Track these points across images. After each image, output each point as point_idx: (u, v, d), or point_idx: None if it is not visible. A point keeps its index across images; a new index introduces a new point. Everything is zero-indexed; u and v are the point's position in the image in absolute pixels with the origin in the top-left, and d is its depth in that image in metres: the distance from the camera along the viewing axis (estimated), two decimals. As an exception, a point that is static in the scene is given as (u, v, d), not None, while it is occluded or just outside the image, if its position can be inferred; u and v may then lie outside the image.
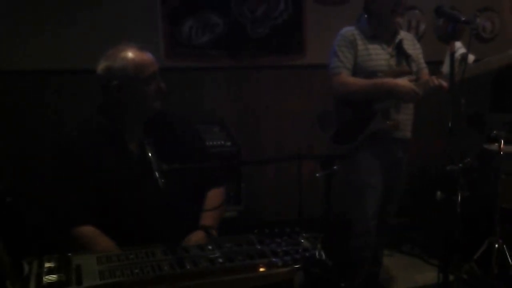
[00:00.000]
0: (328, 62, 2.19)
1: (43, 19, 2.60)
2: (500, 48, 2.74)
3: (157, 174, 1.22)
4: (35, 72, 2.63)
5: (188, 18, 2.82)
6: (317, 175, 1.36)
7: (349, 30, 2.17)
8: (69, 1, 2.63)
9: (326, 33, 2.75)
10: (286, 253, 1.19)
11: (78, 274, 1.11)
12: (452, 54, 1.79)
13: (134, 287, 1.09)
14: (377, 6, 2.12)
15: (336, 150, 2.20)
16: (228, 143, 2.57)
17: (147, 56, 1.44)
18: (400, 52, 2.17)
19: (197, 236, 1.43)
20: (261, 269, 1.16)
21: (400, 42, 2.17)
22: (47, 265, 1.15)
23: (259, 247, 1.22)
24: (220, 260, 1.17)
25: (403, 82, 2.04)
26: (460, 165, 1.80)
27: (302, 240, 1.24)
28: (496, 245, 2.40)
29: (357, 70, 2.13)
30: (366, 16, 2.19)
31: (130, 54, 1.41)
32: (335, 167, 1.35)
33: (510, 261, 2.38)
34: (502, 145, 2.40)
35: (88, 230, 1.39)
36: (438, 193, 1.81)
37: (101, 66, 1.43)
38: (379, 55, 2.14)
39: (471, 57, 2.04)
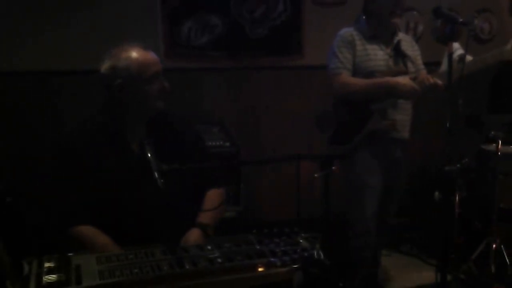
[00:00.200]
0: (327, 63, 2.20)
1: (43, 19, 2.61)
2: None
3: (156, 174, 1.22)
4: (35, 72, 2.63)
5: (188, 19, 2.82)
6: (316, 175, 1.37)
7: (347, 31, 2.18)
8: (69, 1, 2.63)
9: (324, 34, 2.76)
10: (285, 253, 1.19)
11: (78, 274, 1.12)
12: (450, 55, 1.80)
13: (133, 287, 1.09)
14: (376, 7, 2.13)
15: (334, 151, 2.21)
16: (228, 144, 2.58)
17: (150, 56, 1.45)
18: (398, 53, 2.18)
19: (193, 234, 1.43)
20: (260, 269, 1.17)
21: (398, 43, 2.18)
22: (46, 265, 1.15)
23: (258, 247, 1.23)
24: (219, 260, 1.18)
25: (404, 80, 2.06)
26: (458, 165, 1.81)
27: (301, 240, 1.25)
28: (494, 245, 2.41)
29: (356, 70, 2.15)
30: (365, 17, 2.20)
31: (134, 54, 1.42)
32: (333, 167, 1.36)
33: (507, 260, 2.39)
34: (499, 146, 2.41)
35: (86, 229, 1.39)
36: (437, 193, 1.82)
37: (105, 66, 1.43)
38: (377, 55, 2.15)
39: (469, 58, 2.06)
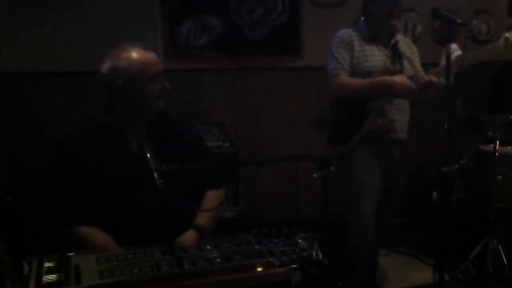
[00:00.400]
0: (325, 63, 2.21)
1: (42, 20, 2.61)
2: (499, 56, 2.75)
3: (155, 174, 1.23)
4: (35, 73, 2.64)
5: (187, 19, 2.83)
6: (315, 175, 1.38)
7: (346, 32, 2.19)
8: (68, 2, 2.63)
9: (323, 34, 2.77)
10: (283, 253, 1.20)
11: (77, 273, 1.12)
12: (448, 56, 1.81)
13: (133, 287, 1.10)
14: (375, 8, 2.14)
15: (333, 151, 2.22)
16: (227, 144, 2.59)
17: (151, 56, 1.45)
18: (396, 53, 2.19)
19: (188, 236, 1.43)
20: (259, 269, 1.17)
21: (396, 43, 2.19)
22: (46, 265, 1.15)
23: (257, 247, 1.23)
24: (218, 260, 1.18)
25: (401, 78, 2.06)
26: (456, 165, 1.82)
27: (300, 240, 1.26)
28: (492, 245, 2.42)
29: (354, 71, 2.16)
30: (363, 18, 2.21)
31: (134, 54, 1.42)
32: (332, 167, 1.36)
33: (505, 260, 2.40)
34: (497, 146, 2.42)
35: (87, 229, 1.39)
36: (434, 193, 1.83)
37: (105, 66, 1.43)
38: (375, 56, 2.16)
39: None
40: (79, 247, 1.31)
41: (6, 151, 2.64)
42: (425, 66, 2.30)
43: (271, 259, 1.18)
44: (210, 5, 2.85)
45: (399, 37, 2.24)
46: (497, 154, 2.42)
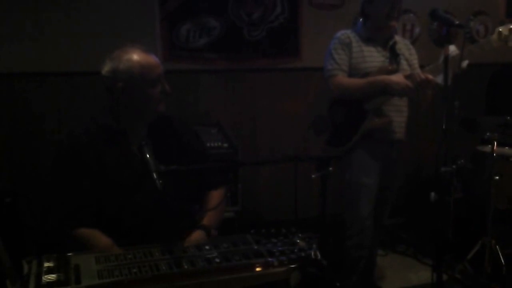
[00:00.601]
0: (324, 64, 2.22)
1: (42, 21, 2.61)
2: (493, 51, 2.77)
3: (155, 175, 1.23)
4: (35, 73, 2.64)
5: (186, 21, 2.83)
6: (313, 176, 1.38)
7: (345, 33, 2.21)
8: (66, 4, 2.64)
9: (322, 36, 2.78)
10: (282, 253, 1.21)
11: (77, 273, 1.12)
12: (446, 58, 1.82)
13: (132, 287, 1.10)
14: (373, 9, 2.15)
15: (333, 152, 2.23)
16: (226, 145, 2.59)
17: (152, 59, 1.44)
18: (394, 55, 2.20)
19: (197, 236, 1.43)
20: (258, 269, 1.18)
21: (394, 44, 2.20)
22: (46, 264, 1.16)
23: (255, 247, 1.24)
24: (217, 259, 1.19)
25: (397, 77, 2.07)
26: (454, 166, 1.83)
27: (298, 240, 1.26)
28: (489, 245, 2.43)
29: (352, 71, 2.17)
30: (362, 19, 2.22)
31: (135, 56, 1.41)
32: (330, 168, 1.37)
33: (502, 261, 2.41)
34: (495, 147, 2.43)
35: (87, 231, 1.39)
36: (432, 194, 1.83)
37: (106, 68, 1.42)
38: (373, 57, 2.17)
39: (465, 61, 2.07)
40: (79, 249, 1.30)
41: (6, 151, 2.64)
42: (423, 67, 2.31)
43: (270, 259, 1.19)
44: (209, 7, 2.86)
45: (397, 38, 2.25)
46: (494, 154, 2.43)
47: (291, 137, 3.03)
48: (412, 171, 3.25)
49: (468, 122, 2.62)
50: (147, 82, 1.42)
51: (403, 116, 2.26)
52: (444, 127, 1.79)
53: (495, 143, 2.43)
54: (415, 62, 2.28)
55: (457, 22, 1.85)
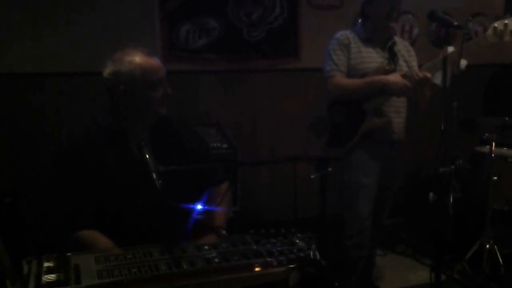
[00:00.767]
0: (323, 64, 2.23)
1: (42, 22, 2.61)
2: (492, 52, 2.79)
3: (154, 175, 1.23)
4: (35, 74, 2.64)
5: (186, 21, 2.84)
6: (312, 176, 1.39)
7: (344, 34, 2.21)
8: (66, 4, 2.64)
9: (321, 37, 2.79)
10: (281, 253, 1.21)
11: (77, 273, 1.13)
12: (445, 59, 1.83)
13: (131, 286, 1.11)
14: (373, 10, 2.16)
15: (333, 153, 2.23)
16: (225, 145, 2.59)
17: (154, 62, 1.43)
18: (392, 55, 2.20)
19: (209, 240, 1.43)
20: (257, 269, 1.18)
21: (393, 45, 2.21)
22: (46, 264, 1.16)
23: (255, 247, 1.25)
24: (216, 260, 1.19)
25: (394, 77, 2.08)
26: (452, 167, 1.83)
27: (297, 240, 1.27)
28: (487, 246, 2.44)
29: (351, 72, 2.18)
30: (361, 20, 2.23)
31: (137, 59, 1.40)
32: (329, 168, 1.38)
33: (501, 261, 2.42)
34: (493, 148, 2.44)
35: (88, 233, 1.39)
36: (431, 194, 1.84)
37: (107, 70, 1.41)
38: (372, 58, 2.18)
39: (463, 62, 2.08)
40: (80, 249, 1.30)
41: (6, 151, 2.64)
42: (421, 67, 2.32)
43: (269, 259, 1.19)
44: (209, 7, 2.86)
45: (396, 39, 2.26)
46: (493, 155, 2.44)
47: (291, 137, 3.03)
48: (411, 172, 3.26)
49: (467, 123, 2.62)
50: (149, 85, 1.41)
51: (402, 117, 2.27)
52: (443, 127, 1.79)
53: (494, 143, 2.44)
54: (414, 63, 2.29)
55: (455, 23, 1.86)
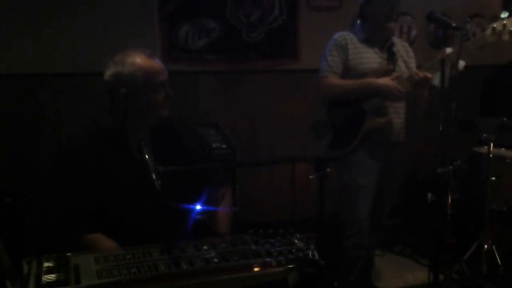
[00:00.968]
0: (320, 65, 2.24)
1: (42, 22, 2.62)
2: (489, 53, 2.80)
3: (153, 175, 1.23)
4: (35, 74, 2.64)
5: (185, 22, 2.84)
6: (311, 177, 1.39)
7: (341, 35, 2.22)
8: (66, 5, 2.64)
9: (320, 38, 2.79)
10: (280, 253, 1.21)
11: (77, 273, 1.13)
12: (443, 60, 1.83)
13: (131, 286, 1.11)
14: (372, 11, 2.16)
15: (333, 154, 2.24)
16: (224, 146, 2.60)
17: (156, 64, 1.42)
18: (391, 55, 2.21)
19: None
20: (256, 269, 1.19)
21: (391, 45, 2.22)
22: (46, 264, 1.16)
23: (253, 247, 1.25)
24: (215, 260, 1.19)
25: (385, 81, 2.08)
26: (451, 167, 1.84)
27: (296, 241, 1.27)
28: (486, 246, 2.45)
29: (350, 72, 2.18)
30: (360, 21, 2.24)
31: (139, 61, 1.39)
32: (328, 169, 1.38)
33: (499, 261, 2.42)
34: (491, 148, 2.45)
35: (91, 236, 1.38)
36: (429, 194, 1.85)
37: (109, 72, 1.40)
38: (371, 58, 2.19)
39: (461, 63, 2.09)
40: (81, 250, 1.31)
41: (6, 151, 2.64)
42: (420, 67, 2.32)
43: (268, 259, 1.20)
44: (208, 8, 2.87)
45: (395, 40, 2.27)
46: (491, 155, 2.45)
47: (290, 138, 3.04)
48: (410, 172, 3.26)
49: (465, 124, 2.63)
50: (150, 88, 1.40)
51: (401, 118, 2.27)
52: (441, 128, 1.80)
53: (492, 144, 2.45)
54: (413, 64, 2.29)
55: (454, 25, 1.87)
